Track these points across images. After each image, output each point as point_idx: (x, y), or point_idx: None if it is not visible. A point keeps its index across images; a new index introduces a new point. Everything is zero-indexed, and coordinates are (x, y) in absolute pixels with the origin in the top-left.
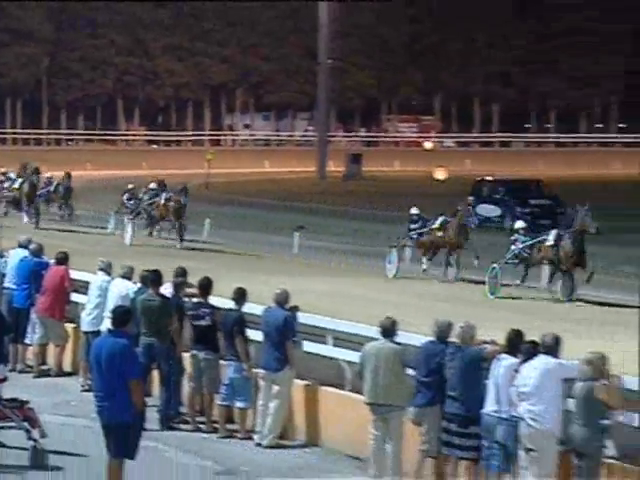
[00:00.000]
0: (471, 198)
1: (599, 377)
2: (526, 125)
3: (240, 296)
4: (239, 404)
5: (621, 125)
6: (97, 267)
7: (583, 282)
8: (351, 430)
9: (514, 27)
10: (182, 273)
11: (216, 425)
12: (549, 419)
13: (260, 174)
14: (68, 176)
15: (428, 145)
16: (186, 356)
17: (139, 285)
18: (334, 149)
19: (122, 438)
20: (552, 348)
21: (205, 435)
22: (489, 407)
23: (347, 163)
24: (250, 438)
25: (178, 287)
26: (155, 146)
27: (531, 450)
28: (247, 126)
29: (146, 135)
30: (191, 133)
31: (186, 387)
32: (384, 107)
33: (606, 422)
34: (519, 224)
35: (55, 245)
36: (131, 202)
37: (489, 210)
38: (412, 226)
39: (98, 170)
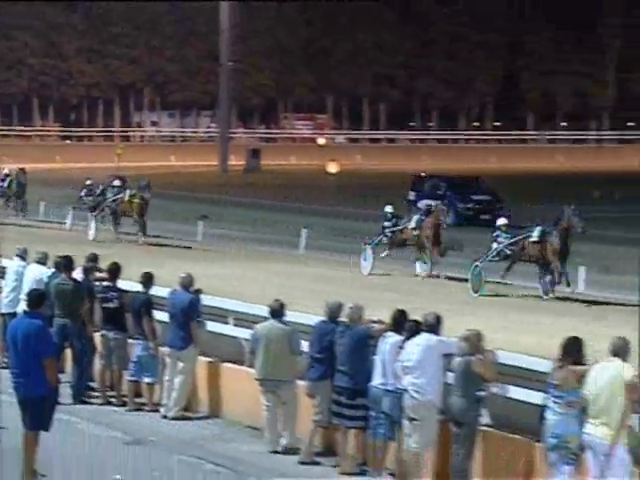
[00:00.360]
0: (413, 193)
1: (475, 353)
2: (410, 123)
3: (147, 280)
4: (146, 379)
5: (496, 123)
6: (14, 253)
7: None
8: (250, 403)
9: (398, 32)
10: (93, 259)
11: (125, 399)
12: (430, 391)
13: (166, 167)
14: (22, 171)
15: (321, 141)
16: (97, 335)
17: (53, 270)
18: (235, 145)
19: (37, 412)
20: (433, 326)
21: (115, 408)
22: (376, 380)
23: (247, 158)
24: (157, 411)
25: (88, 272)
26: (68, 141)
27: (414, 419)
28: (154, 123)
29: (60, 131)
30: (102, 129)
31: (97, 364)
32: (281, 106)
33: (482, 393)
34: (501, 221)
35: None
36: (89, 198)
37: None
38: (386, 224)
39: (15, 164)
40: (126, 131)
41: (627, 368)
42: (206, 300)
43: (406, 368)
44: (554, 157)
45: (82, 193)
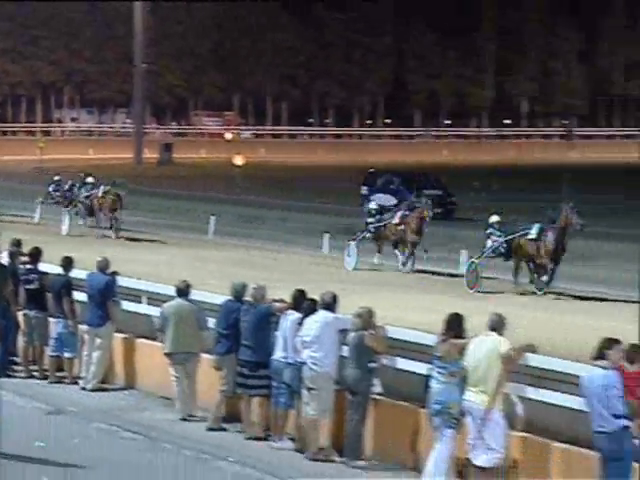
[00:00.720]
0: (365, 188)
1: (368, 328)
2: (310, 120)
3: (67, 263)
4: (67, 354)
5: (386, 121)
6: None
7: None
8: (162, 375)
9: (299, 36)
10: (17, 244)
11: (47, 373)
12: (327, 363)
13: (85, 160)
14: None
15: (228, 136)
16: (20, 314)
17: None
18: (149, 139)
19: None
20: (330, 305)
21: (37, 381)
22: (277, 354)
23: (160, 151)
24: (76, 383)
25: (13, 256)
26: None
27: (312, 389)
28: (74, 119)
29: None
30: (25, 125)
31: (20, 341)
32: (191, 104)
33: (373, 365)
34: (494, 218)
35: None
36: (57, 193)
37: (385, 199)
38: (369, 220)
39: None
40: (48, 126)
41: (503, 342)
42: (122, 281)
43: (305, 343)
44: (439, 151)
45: (50, 188)
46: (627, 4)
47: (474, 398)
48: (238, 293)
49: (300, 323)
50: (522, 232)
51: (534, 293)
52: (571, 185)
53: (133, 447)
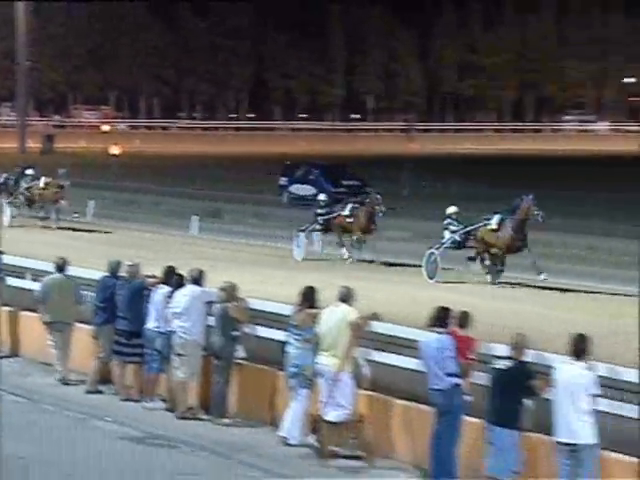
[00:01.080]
0: (284, 179)
1: (231, 300)
2: (180, 114)
3: None
4: None
5: (249, 115)
6: None
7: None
8: (43, 343)
9: (166, 38)
10: None
11: None
12: (195, 332)
13: None
14: None
15: (105, 128)
16: None
17: None
18: (32, 131)
19: None
20: (197, 279)
21: None
22: (150, 324)
23: (43, 142)
24: None
25: None
26: None
27: (182, 355)
28: None
29: None
30: None
31: None
32: (71, 99)
33: (237, 333)
34: (452, 209)
35: None
36: None
37: (303, 190)
38: (319, 211)
39: None
40: None
41: (351, 311)
42: (6, 259)
43: (175, 314)
44: (297, 143)
45: None
46: (458, 5)
47: (326, 361)
48: (114, 270)
49: (170, 296)
50: (482, 223)
51: (494, 283)
52: (413, 173)
53: (17, 409)
